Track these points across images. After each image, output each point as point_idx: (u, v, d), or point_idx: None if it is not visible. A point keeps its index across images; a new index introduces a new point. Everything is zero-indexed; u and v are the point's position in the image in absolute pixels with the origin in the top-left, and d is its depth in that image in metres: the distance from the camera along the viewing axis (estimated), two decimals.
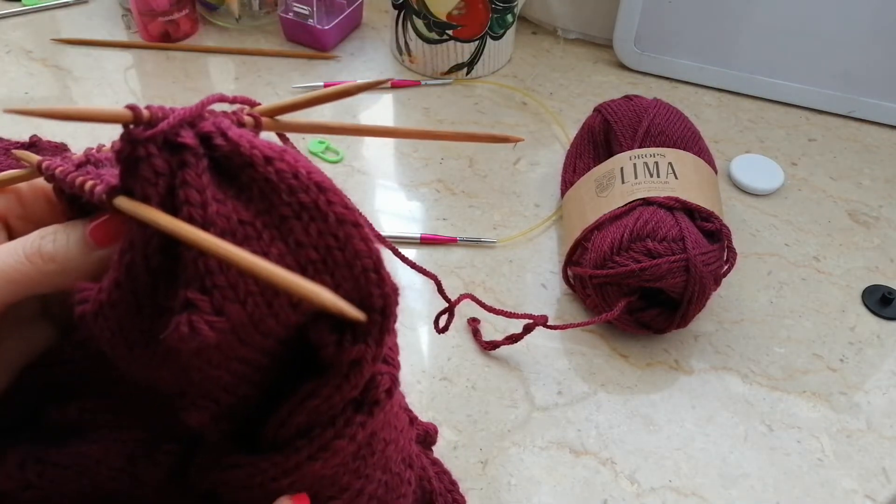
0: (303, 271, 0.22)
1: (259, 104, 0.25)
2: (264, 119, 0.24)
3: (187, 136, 0.21)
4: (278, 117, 0.25)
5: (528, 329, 0.50)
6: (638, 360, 0.52)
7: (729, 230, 0.52)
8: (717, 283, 0.52)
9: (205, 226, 0.21)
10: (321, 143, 0.65)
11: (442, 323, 0.47)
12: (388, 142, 0.67)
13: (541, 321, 0.49)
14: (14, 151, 0.30)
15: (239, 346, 0.23)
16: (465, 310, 0.55)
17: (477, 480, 0.46)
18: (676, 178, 0.53)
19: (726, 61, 0.73)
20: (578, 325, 0.51)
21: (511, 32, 0.75)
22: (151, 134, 0.21)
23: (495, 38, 0.73)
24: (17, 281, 0.24)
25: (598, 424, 0.49)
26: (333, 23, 0.75)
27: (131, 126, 0.21)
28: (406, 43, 0.74)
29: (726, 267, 0.53)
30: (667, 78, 0.76)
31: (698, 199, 0.52)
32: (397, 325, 0.26)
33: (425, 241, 0.59)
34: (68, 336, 0.27)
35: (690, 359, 0.53)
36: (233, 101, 0.24)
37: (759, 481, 0.47)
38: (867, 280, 0.58)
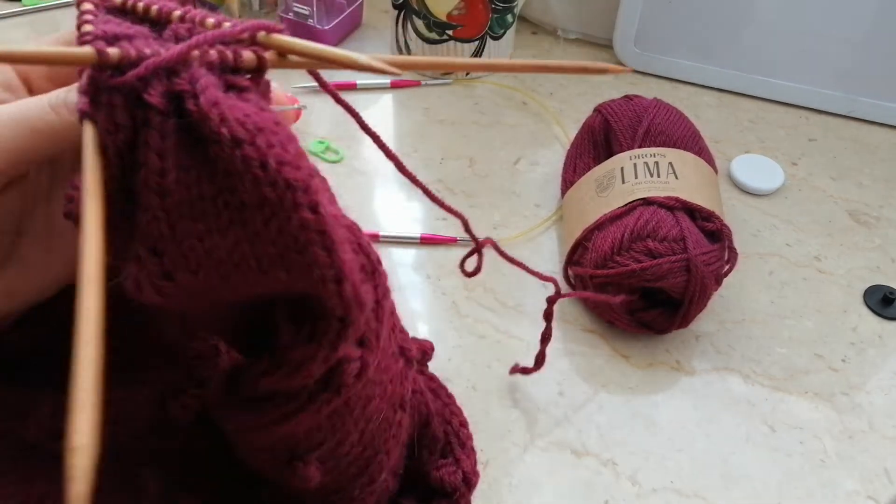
0: (257, 262, 0.20)
1: (278, 29, 0.21)
2: (270, 56, 0.21)
3: (154, 95, 0.19)
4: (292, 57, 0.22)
5: (552, 302, 0.47)
6: (639, 361, 0.52)
7: (730, 230, 0.52)
8: (718, 283, 0.52)
9: (161, 194, 0.19)
10: (321, 142, 0.65)
11: (470, 266, 0.43)
12: (389, 142, 0.67)
13: (555, 297, 0.47)
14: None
15: (199, 303, 0.22)
16: (468, 310, 0.55)
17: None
18: (677, 177, 0.53)
19: (726, 61, 0.73)
20: (586, 295, 0.51)
21: (511, 32, 0.75)
22: (116, 83, 0.19)
23: (495, 38, 0.73)
24: (41, 131, 0.23)
25: (600, 425, 0.49)
26: (333, 23, 0.75)
27: (97, 69, 0.19)
28: (406, 43, 0.74)
29: (727, 267, 0.52)
30: (667, 78, 0.76)
31: (699, 199, 0.52)
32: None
33: (425, 241, 0.59)
34: None
35: (692, 359, 0.53)
36: (238, 32, 0.21)
37: (761, 482, 0.46)
38: (868, 280, 0.58)
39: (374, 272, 0.25)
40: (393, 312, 0.28)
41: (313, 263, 0.20)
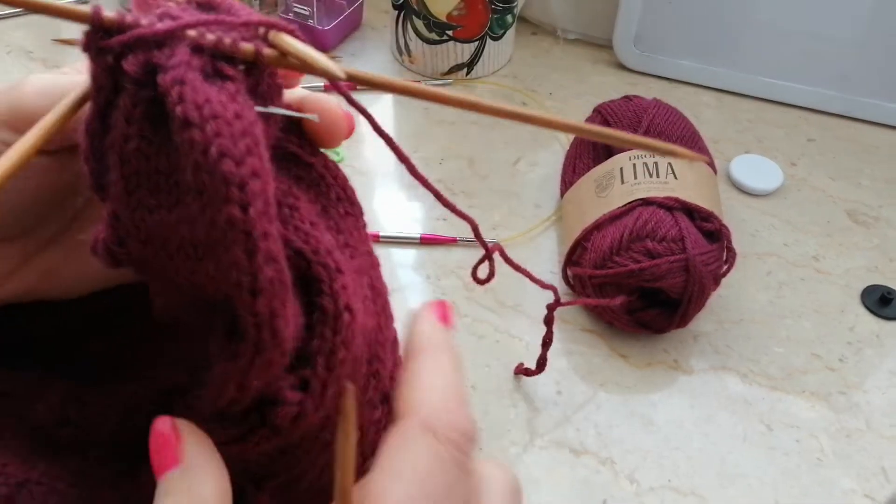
0: (194, 249, 0.20)
1: (288, 29, 0.21)
2: (267, 52, 0.21)
3: (132, 63, 0.19)
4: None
5: (551, 309, 0.48)
6: (637, 360, 0.53)
7: (728, 230, 0.52)
8: (717, 282, 0.52)
9: (122, 160, 0.20)
10: None
11: (482, 273, 0.43)
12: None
13: (556, 303, 0.48)
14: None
15: (158, 282, 0.22)
16: (467, 310, 0.55)
17: None
18: (676, 178, 0.53)
19: (726, 61, 0.73)
20: (586, 302, 0.51)
21: (511, 33, 0.75)
22: (102, 45, 0.19)
23: (495, 39, 0.73)
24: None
25: (598, 424, 0.49)
26: (333, 23, 0.75)
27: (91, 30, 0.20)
28: (406, 43, 0.74)
29: (726, 267, 0.53)
30: (666, 78, 0.76)
31: (698, 199, 0.52)
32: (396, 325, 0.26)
33: (425, 241, 0.59)
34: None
35: (690, 359, 0.53)
36: (242, 23, 0.20)
37: (758, 481, 0.47)
38: (866, 280, 0.58)
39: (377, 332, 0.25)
40: (380, 373, 0.26)
41: (233, 264, 0.19)
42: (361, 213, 0.27)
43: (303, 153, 0.26)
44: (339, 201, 0.26)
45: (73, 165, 0.23)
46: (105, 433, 0.26)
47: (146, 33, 0.19)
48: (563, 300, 0.48)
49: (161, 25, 0.19)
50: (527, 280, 0.57)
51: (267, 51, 0.21)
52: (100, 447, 0.26)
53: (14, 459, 0.25)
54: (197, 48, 0.19)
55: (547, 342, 0.49)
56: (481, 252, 0.58)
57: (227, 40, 0.20)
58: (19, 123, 0.23)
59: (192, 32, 0.20)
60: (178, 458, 0.21)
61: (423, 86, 0.24)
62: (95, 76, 0.20)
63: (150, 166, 0.20)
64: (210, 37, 0.20)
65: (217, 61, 0.20)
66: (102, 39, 0.20)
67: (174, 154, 0.19)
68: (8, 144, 0.22)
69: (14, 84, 0.24)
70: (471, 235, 0.61)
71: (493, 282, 0.43)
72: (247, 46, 0.20)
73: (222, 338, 0.21)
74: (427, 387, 0.23)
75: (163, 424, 0.21)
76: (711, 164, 0.58)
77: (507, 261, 0.44)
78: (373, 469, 0.21)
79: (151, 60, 0.19)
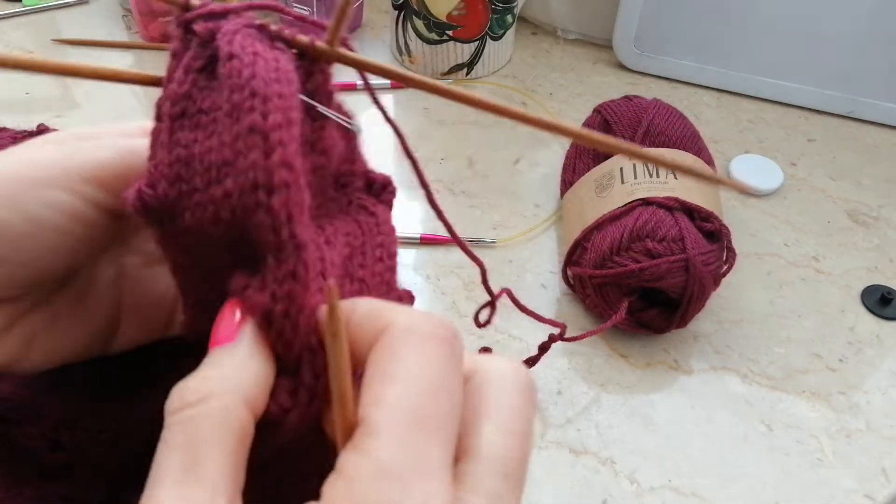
0: (217, 170, 0.21)
1: (346, 44, 0.24)
2: (320, 45, 0.23)
3: (200, 26, 0.23)
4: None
5: (543, 349, 0.50)
6: (637, 360, 0.53)
7: (728, 230, 0.52)
8: (717, 283, 0.52)
9: (172, 100, 0.22)
10: None
11: (483, 317, 0.45)
12: (389, 142, 0.67)
13: (558, 337, 0.50)
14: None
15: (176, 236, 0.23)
16: (467, 310, 0.55)
17: None
18: (676, 178, 0.53)
19: (726, 61, 0.73)
20: (589, 334, 0.51)
21: (511, 33, 0.75)
22: (185, 17, 0.23)
23: (495, 39, 0.73)
24: (111, 167, 0.23)
25: (598, 424, 0.49)
26: None
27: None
28: (406, 43, 0.74)
29: (726, 267, 0.53)
30: (666, 78, 0.76)
31: (698, 199, 0.52)
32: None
33: (425, 241, 0.59)
34: None
35: (690, 359, 0.53)
36: (311, 22, 0.24)
37: (759, 481, 0.47)
38: (866, 280, 0.58)
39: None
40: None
41: (251, 167, 0.21)
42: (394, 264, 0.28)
43: (368, 205, 0.29)
44: (379, 247, 0.28)
45: (99, 228, 0.25)
46: (94, 457, 0.26)
47: (217, 9, 0.23)
48: (555, 314, 0.50)
49: (232, 5, 0.23)
50: (527, 281, 0.57)
51: (319, 43, 0.23)
52: (88, 471, 0.26)
53: (1, 484, 0.25)
54: (258, 26, 0.23)
55: (534, 359, 0.50)
56: (482, 251, 0.59)
57: (287, 31, 0.23)
58: (103, 182, 0.24)
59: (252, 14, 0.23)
60: (234, 336, 0.21)
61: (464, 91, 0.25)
62: (175, 47, 0.23)
63: (195, 107, 0.22)
64: (273, 25, 0.23)
65: (273, 40, 0.23)
66: (185, 16, 0.23)
67: (217, 94, 0.22)
68: (94, 201, 0.24)
69: (95, 136, 0.25)
70: (471, 235, 0.61)
71: (493, 282, 0.43)
72: (303, 37, 0.23)
73: (242, 281, 0.21)
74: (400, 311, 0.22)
75: (233, 306, 0.22)
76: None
77: (516, 303, 0.46)
78: (363, 380, 0.20)
79: (217, 27, 0.22)
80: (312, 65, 0.24)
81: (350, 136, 0.28)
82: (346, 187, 0.28)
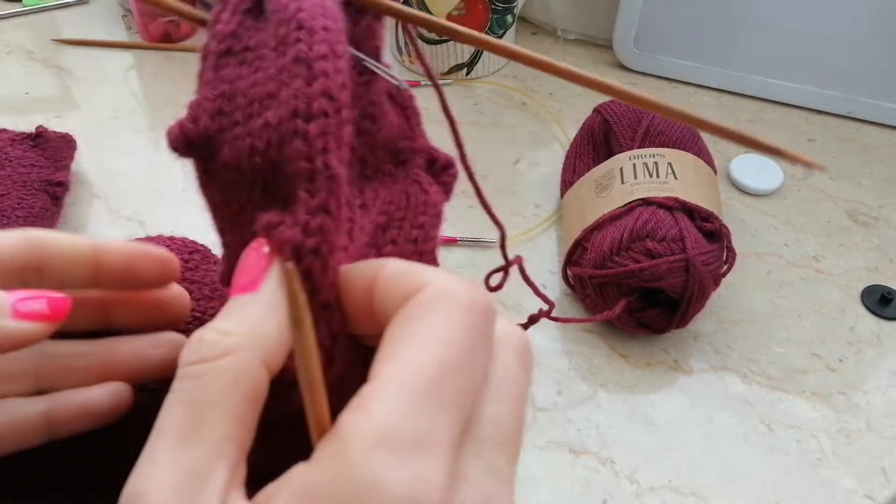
0: (259, 103, 0.21)
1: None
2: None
3: None
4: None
5: (532, 320, 0.49)
6: (637, 360, 0.53)
7: (728, 230, 0.52)
8: (717, 283, 0.52)
9: (218, 41, 0.22)
10: None
11: (494, 281, 0.43)
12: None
13: (546, 313, 0.48)
14: None
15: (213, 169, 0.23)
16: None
17: None
18: (676, 178, 0.53)
19: (726, 61, 0.73)
20: (579, 320, 0.51)
21: (511, 33, 0.75)
22: None
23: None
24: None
25: (598, 424, 0.49)
26: None
27: None
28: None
29: (726, 267, 0.53)
30: (666, 78, 0.76)
31: (698, 199, 0.52)
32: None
33: None
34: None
35: (690, 359, 0.53)
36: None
37: (759, 481, 0.47)
38: (866, 280, 0.58)
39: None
40: None
41: (293, 95, 0.20)
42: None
43: (423, 182, 0.28)
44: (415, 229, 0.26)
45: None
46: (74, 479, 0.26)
47: None
48: (556, 313, 0.49)
49: None
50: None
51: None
52: (63, 491, 0.26)
53: None
54: None
55: (533, 319, 0.49)
56: (482, 251, 0.59)
57: None
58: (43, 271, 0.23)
59: None
60: (257, 283, 0.20)
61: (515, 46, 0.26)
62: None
63: (241, 45, 0.22)
64: None
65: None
66: None
67: (264, 32, 0.22)
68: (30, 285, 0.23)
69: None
70: (471, 235, 0.61)
71: (493, 282, 0.43)
72: None
73: (276, 218, 0.21)
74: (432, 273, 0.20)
75: (258, 246, 0.20)
76: (711, 165, 0.58)
77: (523, 273, 0.45)
78: (384, 334, 0.19)
79: None
80: (358, 14, 0.24)
81: (407, 112, 0.28)
82: (405, 164, 0.27)
